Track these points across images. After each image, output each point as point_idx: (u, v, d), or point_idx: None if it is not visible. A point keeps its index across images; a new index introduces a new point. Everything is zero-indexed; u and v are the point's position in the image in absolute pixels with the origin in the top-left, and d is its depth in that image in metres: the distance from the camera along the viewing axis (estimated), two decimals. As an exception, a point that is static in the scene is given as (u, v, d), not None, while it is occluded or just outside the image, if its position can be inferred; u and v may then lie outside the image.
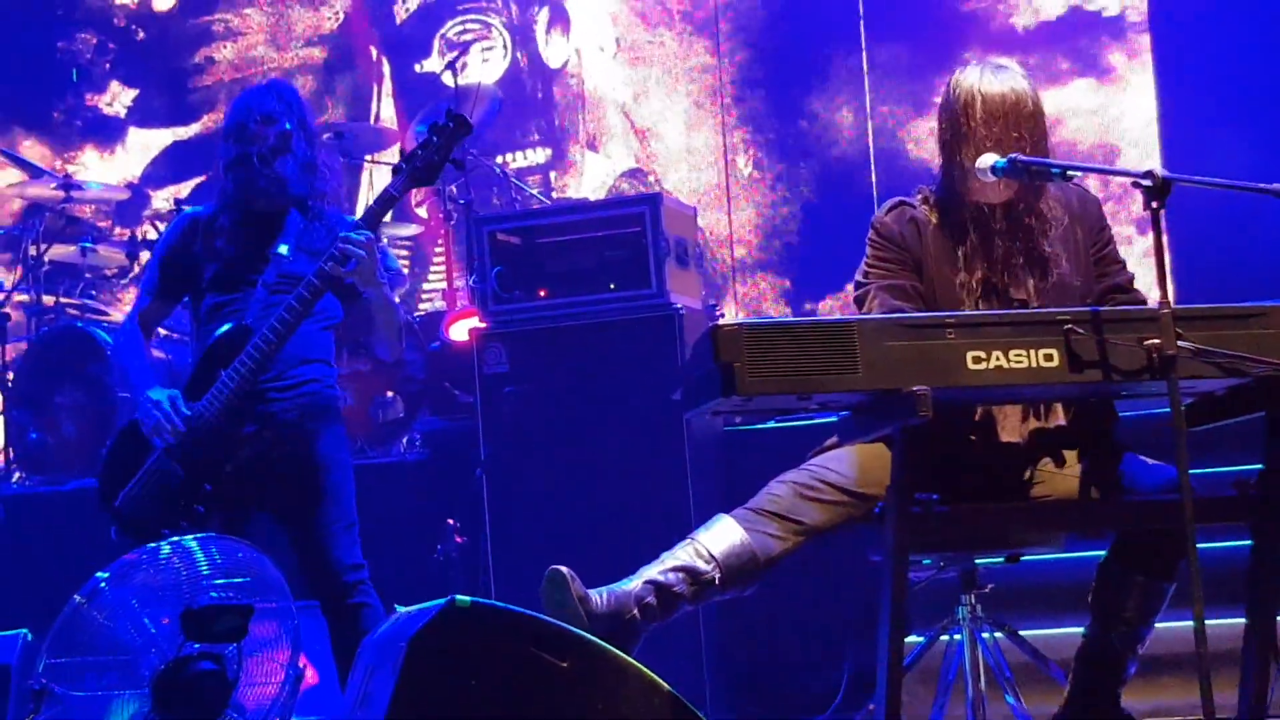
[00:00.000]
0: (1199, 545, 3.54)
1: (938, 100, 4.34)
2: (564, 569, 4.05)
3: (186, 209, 5.52)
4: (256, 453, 5.13)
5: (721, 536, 4.16)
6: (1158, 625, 4.24)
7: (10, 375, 8.46)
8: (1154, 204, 3.64)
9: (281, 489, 5.22)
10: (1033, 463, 4.16)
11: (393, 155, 10.13)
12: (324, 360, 5.32)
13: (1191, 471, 3.54)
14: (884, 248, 4.29)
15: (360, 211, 5.68)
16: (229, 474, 5.11)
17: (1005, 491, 4.10)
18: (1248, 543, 4.05)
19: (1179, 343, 3.57)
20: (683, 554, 4.17)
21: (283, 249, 5.19)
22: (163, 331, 8.70)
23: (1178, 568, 4.10)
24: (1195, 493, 3.57)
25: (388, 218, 7.65)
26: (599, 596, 4.08)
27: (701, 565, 4.13)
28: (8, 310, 8.64)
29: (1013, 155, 4.10)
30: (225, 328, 5.14)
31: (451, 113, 5.21)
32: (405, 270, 10.00)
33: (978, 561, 4.37)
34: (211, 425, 5.09)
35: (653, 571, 4.16)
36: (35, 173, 9.50)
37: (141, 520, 5.16)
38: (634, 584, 4.15)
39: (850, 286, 4.39)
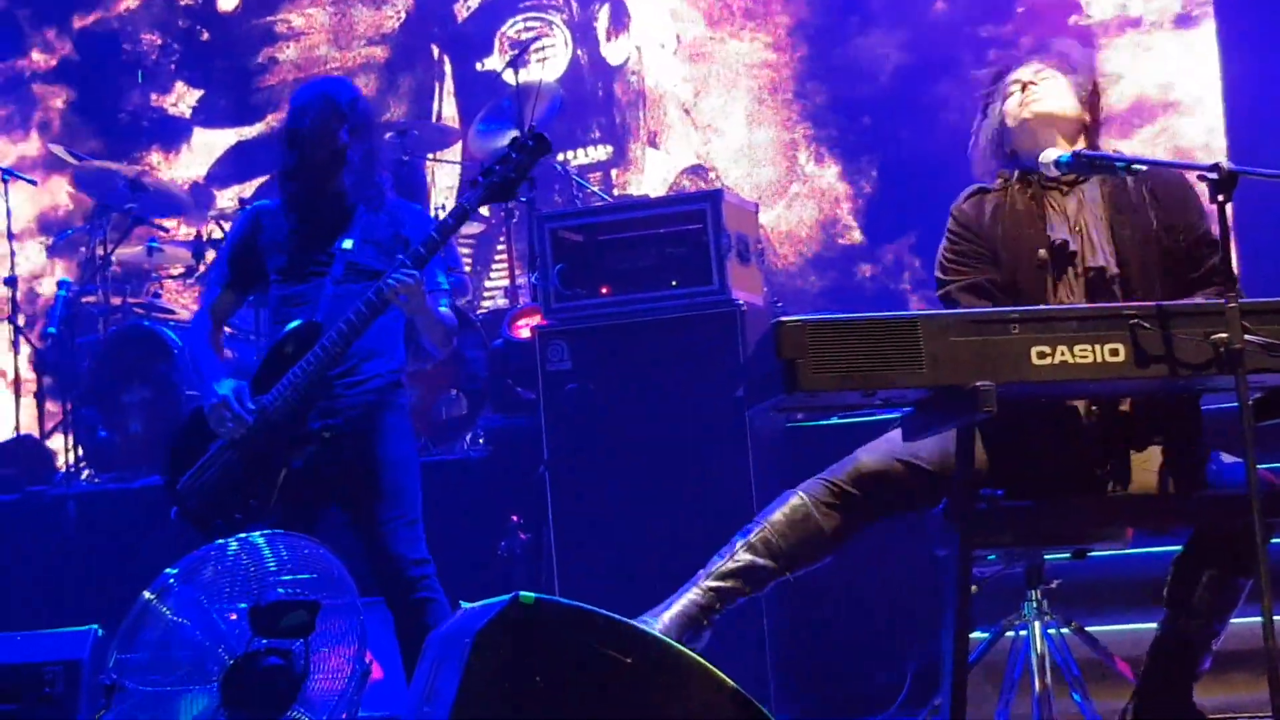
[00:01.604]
0: (1272, 541, 3.51)
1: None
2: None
3: (256, 203, 5.64)
4: (322, 448, 5.19)
5: (794, 520, 4.17)
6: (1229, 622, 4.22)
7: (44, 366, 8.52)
8: (1220, 197, 3.62)
9: (346, 484, 5.28)
10: (1107, 455, 4.13)
11: (454, 153, 10.19)
12: (392, 352, 5.36)
13: (1260, 466, 3.52)
14: (960, 238, 4.29)
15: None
16: (293, 468, 5.17)
17: (1077, 484, 4.08)
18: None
19: (1246, 337, 3.54)
20: (754, 549, 4.17)
21: (347, 244, 5.25)
22: (229, 329, 8.78)
23: (1255, 562, 4.07)
24: (1266, 487, 3.55)
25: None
26: (664, 621, 4.08)
27: (770, 564, 4.15)
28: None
29: (1077, 150, 4.10)
30: (295, 323, 5.20)
31: (534, 132, 5.25)
32: (467, 269, 10.03)
33: (1044, 557, 4.35)
34: (277, 420, 5.15)
35: (716, 578, 4.16)
36: (103, 173, 9.57)
37: (201, 506, 5.25)
38: (698, 593, 4.15)
39: (936, 275, 4.37)
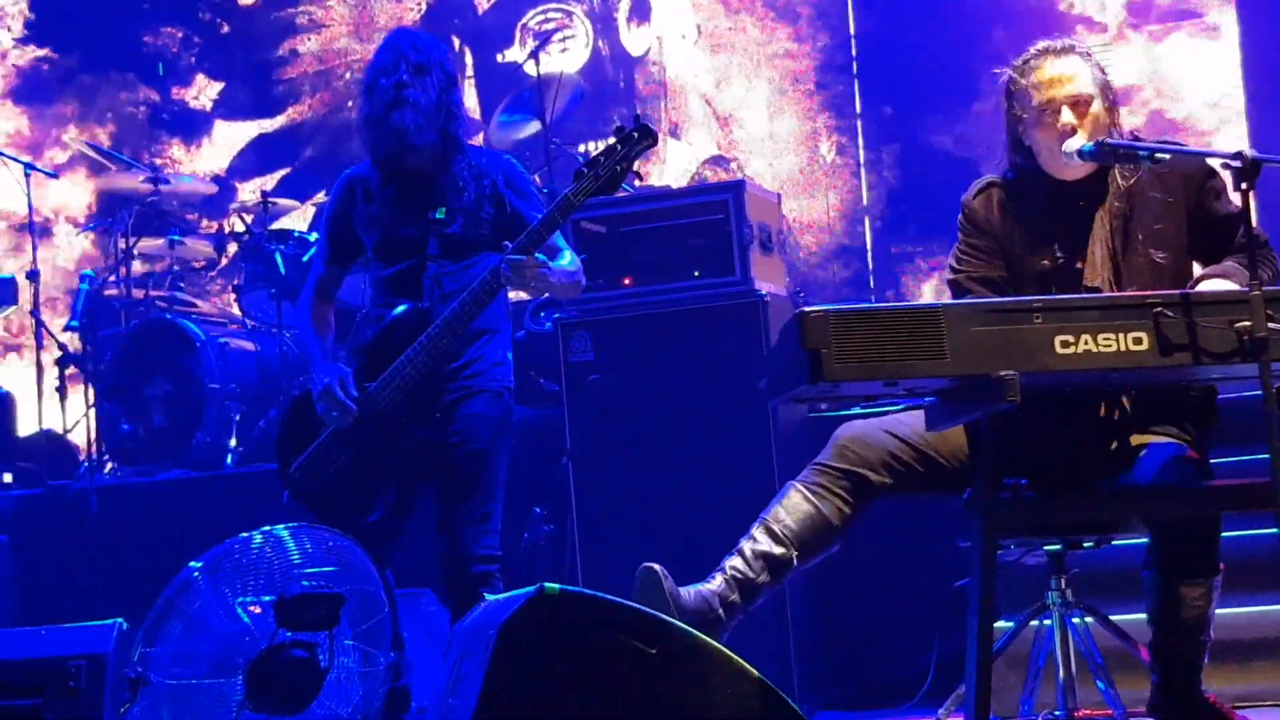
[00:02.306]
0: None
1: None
2: (657, 567, 4.08)
3: (347, 171, 5.52)
4: (427, 436, 5.18)
5: (793, 510, 4.20)
6: (1247, 610, 4.21)
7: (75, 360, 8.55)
8: (1244, 185, 3.60)
9: (442, 474, 5.24)
10: (1114, 442, 4.13)
11: (476, 144, 10.18)
12: (495, 330, 5.29)
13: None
14: (972, 234, 4.32)
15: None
16: (399, 456, 5.17)
17: (1087, 475, 4.08)
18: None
19: (1270, 324, 3.53)
20: (759, 541, 4.20)
21: (439, 213, 5.17)
22: (251, 322, 8.81)
23: (1216, 557, 4.06)
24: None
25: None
26: (690, 597, 4.12)
27: (779, 550, 4.18)
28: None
29: (1100, 139, 4.08)
30: (402, 309, 5.15)
31: (640, 121, 5.11)
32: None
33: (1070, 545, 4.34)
34: (384, 409, 5.13)
35: (732, 568, 4.19)
36: (124, 166, 9.60)
37: (313, 491, 5.26)
38: (715, 583, 4.19)
39: (946, 272, 4.39)
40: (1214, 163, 4.12)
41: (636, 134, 5.05)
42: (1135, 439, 4.15)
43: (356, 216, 5.33)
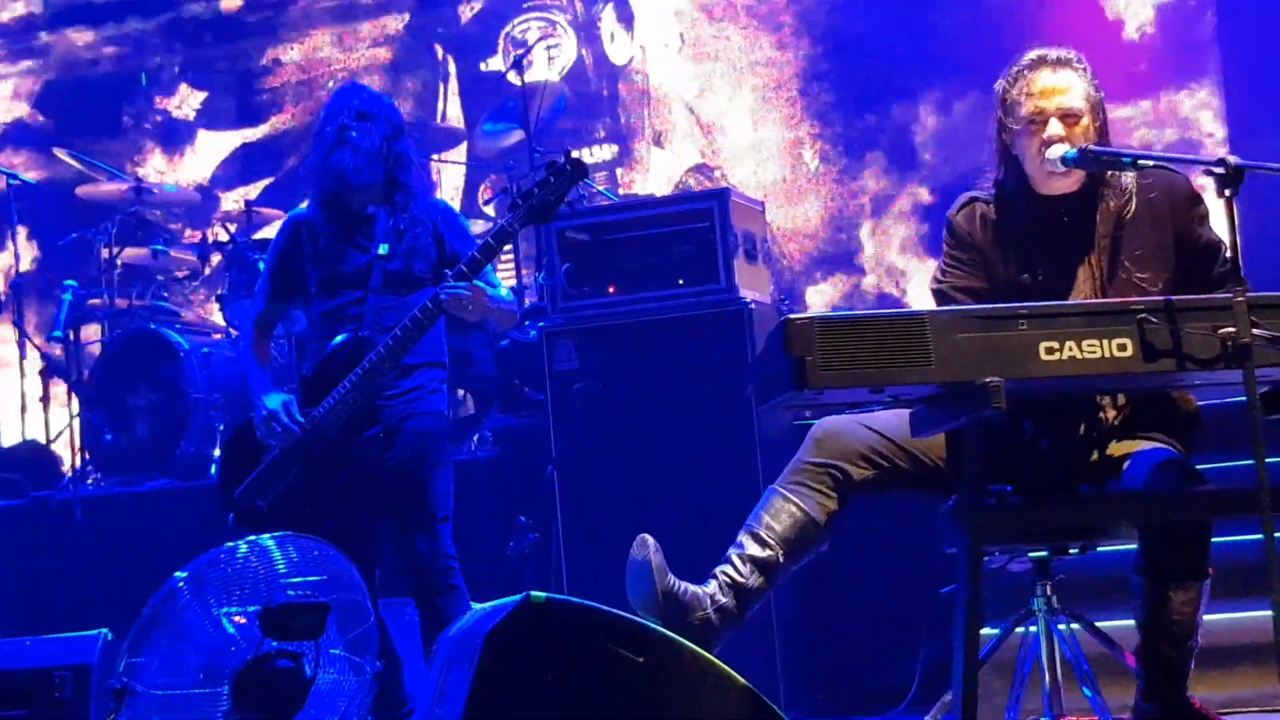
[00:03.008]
0: (1276, 535, 3.51)
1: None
2: (649, 538, 4.09)
3: (292, 212, 5.78)
4: (373, 456, 5.34)
5: (777, 514, 4.20)
6: (1233, 615, 4.22)
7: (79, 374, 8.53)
8: (1227, 191, 3.61)
9: (389, 491, 5.39)
10: (1097, 449, 4.14)
11: (460, 154, 10.20)
12: (434, 362, 5.50)
13: (1267, 460, 3.52)
14: (956, 247, 4.32)
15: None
16: (346, 478, 5.33)
17: (1071, 482, 4.09)
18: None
19: (1254, 330, 3.54)
20: (748, 547, 4.20)
21: (382, 249, 5.39)
22: (234, 332, 8.80)
23: (1205, 562, 4.07)
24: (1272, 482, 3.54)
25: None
26: (679, 582, 4.11)
27: (767, 554, 4.17)
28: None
29: (1083, 146, 4.09)
30: (341, 338, 5.34)
31: (569, 156, 5.38)
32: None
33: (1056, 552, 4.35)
34: (329, 431, 5.29)
35: (724, 573, 4.19)
36: (107, 176, 9.58)
37: (255, 514, 5.37)
38: (710, 586, 4.18)
39: (930, 282, 4.40)
40: (1198, 181, 4.13)
41: (569, 167, 5.33)
42: (1121, 447, 4.15)
43: (303, 255, 5.52)
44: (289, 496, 5.36)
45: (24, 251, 10.40)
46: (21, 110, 12.08)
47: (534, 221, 5.38)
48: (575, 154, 5.45)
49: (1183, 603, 4.06)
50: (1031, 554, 4.26)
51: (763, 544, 4.19)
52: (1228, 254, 4.17)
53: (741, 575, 4.18)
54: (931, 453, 4.20)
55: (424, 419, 5.42)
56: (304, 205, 5.71)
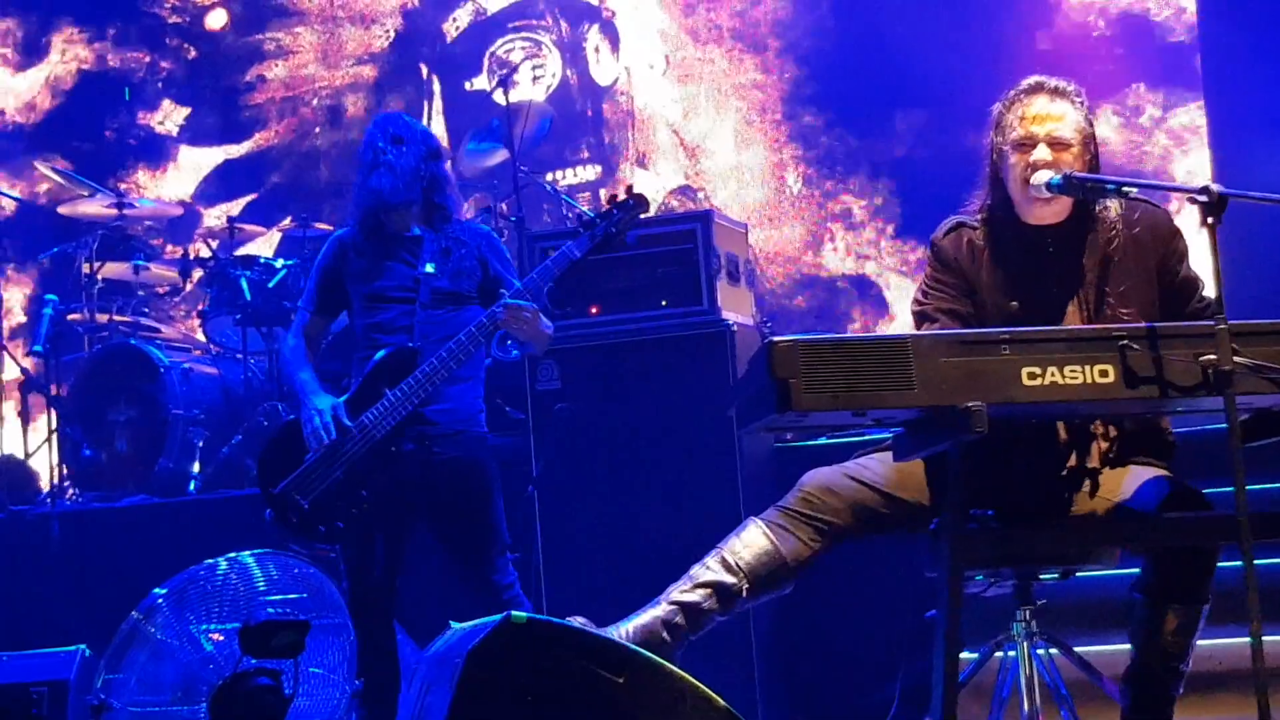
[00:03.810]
0: (1255, 561, 3.52)
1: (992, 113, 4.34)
2: (577, 619, 4.06)
3: (336, 231, 5.92)
4: (416, 470, 5.41)
5: (750, 544, 4.20)
6: (1213, 642, 4.22)
7: (55, 388, 8.51)
8: (1210, 219, 3.63)
9: (444, 512, 5.51)
10: (1071, 484, 4.15)
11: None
12: (474, 377, 5.60)
13: (1248, 488, 3.53)
14: (940, 270, 4.32)
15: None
16: (388, 486, 5.38)
17: (1052, 507, 4.10)
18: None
19: (1235, 358, 3.55)
20: (711, 569, 4.20)
21: (429, 267, 5.53)
22: (215, 348, 8.79)
23: (1208, 587, 4.08)
24: (1252, 509, 3.55)
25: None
26: (621, 631, 4.09)
27: (729, 579, 4.17)
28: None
29: (1067, 172, 4.10)
30: (390, 349, 5.44)
31: (632, 191, 5.58)
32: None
33: (1035, 577, 4.35)
34: (377, 438, 5.36)
35: (678, 592, 4.19)
36: (89, 190, 9.56)
37: (296, 511, 5.39)
38: (660, 609, 4.17)
39: (913, 304, 4.39)
40: (1178, 209, 4.14)
41: (632, 200, 5.54)
42: (1113, 475, 4.15)
43: (347, 271, 5.66)
44: (327, 498, 5.40)
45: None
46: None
47: (597, 252, 5.53)
48: (638, 189, 5.64)
49: (1180, 625, 4.07)
50: (1011, 579, 4.27)
51: (728, 569, 4.19)
52: (1205, 294, 4.21)
53: (696, 596, 4.17)
54: (918, 495, 4.18)
55: (473, 444, 5.54)
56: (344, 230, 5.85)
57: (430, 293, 5.51)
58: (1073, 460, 4.14)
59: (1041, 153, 4.17)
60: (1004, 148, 4.25)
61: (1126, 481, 4.14)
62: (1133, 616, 4.17)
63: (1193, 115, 9.65)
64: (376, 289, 5.59)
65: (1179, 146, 9.71)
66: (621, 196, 5.57)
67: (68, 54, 11.99)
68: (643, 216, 5.67)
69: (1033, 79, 4.31)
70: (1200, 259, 4.03)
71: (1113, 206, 4.21)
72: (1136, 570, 4.28)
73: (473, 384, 5.60)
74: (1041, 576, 4.30)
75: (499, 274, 5.61)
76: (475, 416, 5.59)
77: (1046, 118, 4.21)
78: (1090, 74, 9.37)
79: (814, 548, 4.21)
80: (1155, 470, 4.16)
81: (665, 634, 4.13)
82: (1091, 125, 4.27)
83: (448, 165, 5.83)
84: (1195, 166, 9.52)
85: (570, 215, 9.08)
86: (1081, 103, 4.26)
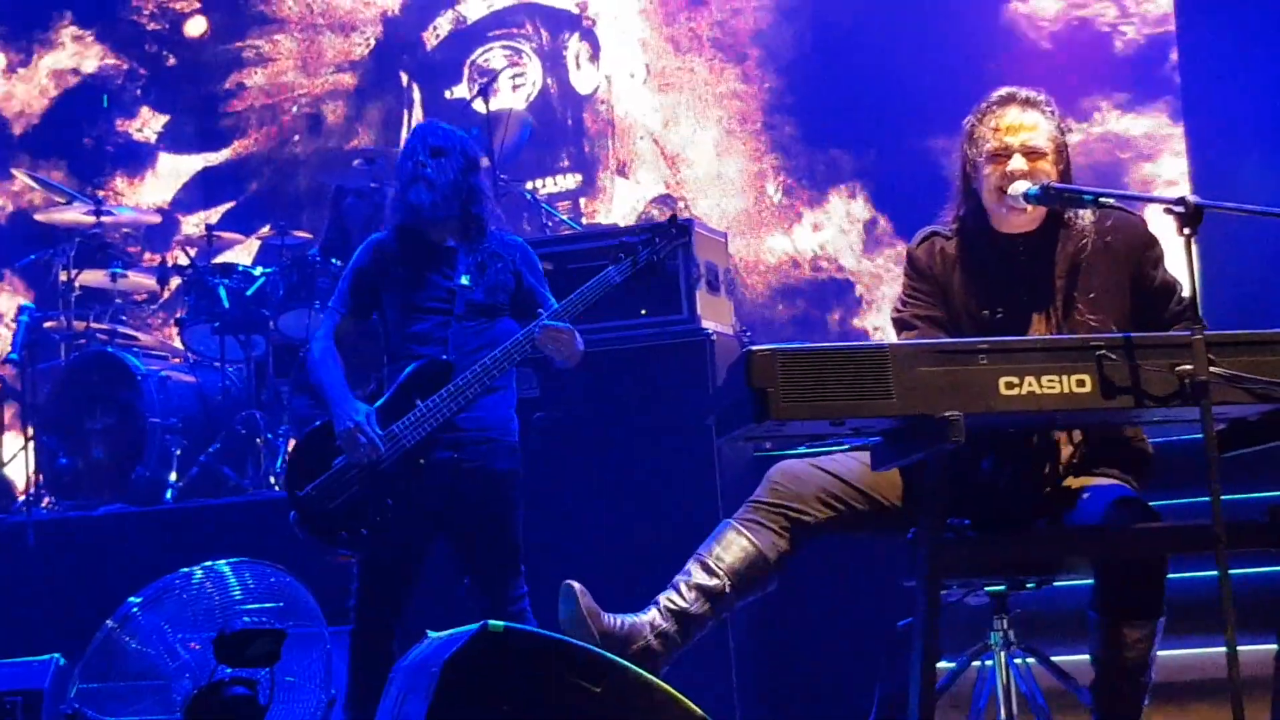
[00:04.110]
0: (1230, 571, 3.52)
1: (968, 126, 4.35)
2: (575, 584, 4.08)
3: (373, 236, 5.88)
4: (443, 480, 5.41)
5: (728, 545, 4.20)
6: (1189, 652, 4.23)
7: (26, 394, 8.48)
8: (1186, 230, 3.63)
9: (468, 525, 5.50)
10: (1052, 484, 4.16)
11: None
12: (506, 387, 5.59)
13: (1223, 497, 3.53)
14: (916, 279, 4.34)
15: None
16: (414, 496, 5.38)
17: (1027, 517, 4.10)
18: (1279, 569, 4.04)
19: (1211, 368, 3.56)
20: (695, 575, 4.20)
21: (464, 280, 5.54)
22: (193, 356, 8.77)
23: (1161, 601, 4.08)
24: (1227, 519, 3.56)
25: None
26: (614, 619, 4.10)
27: (714, 583, 4.17)
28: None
29: (1045, 183, 4.11)
30: (424, 361, 5.45)
31: (674, 218, 5.61)
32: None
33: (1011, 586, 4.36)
34: (407, 447, 5.37)
35: (668, 599, 4.19)
36: (66, 197, 9.54)
37: (320, 515, 5.42)
38: (649, 614, 4.17)
39: (892, 311, 4.41)
40: (1155, 221, 4.15)
41: (674, 229, 5.56)
42: (1077, 482, 4.17)
43: (382, 278, 5.65)
44: (354, 505, 5.41)
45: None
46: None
47: (637, 279, 5.54)
48: (681, 217, 5.71)
49: (1137, 640, 4.07)
50: (988, 588, 4.27)
51: (710, 573, 4.19)
52: (1183, 295, 4.22)
53: (685, 601, 4.17)
54: (888, 493, 4.20)
55: (503, 454, 5.53)
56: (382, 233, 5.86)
57: (465, 305, 5.52)
58: (1039, 468, 4.15)
59: (1018, 163, 4.19)
60: (978, 159, 4.26)
61: (1088, 492, 4.15)
62: (1090, 633, 4.17)
63: (1160, 123, 9.68)
64: (413, 299, 5.58)
65: (1147, 156, 9.74)
66: (665, 225, 5.58)
67: (47, 60, 11.96)
68: (621, 225, 5.66)
69: (1004, 90, 4.33)
70: (1177, 269, 4.04)
71: (1085, 215, 4.22)
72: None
73: (505, 394, 5.60)
74: (1019, 586, 4.30)
75: (532, 287, 5.64)
76: (506, 425, 5.59)
77: (1020, 128, 4.23)
78: (1060, 82, 9.41)
79: (788, 538, 4.21)
80: (1111, 481, 4.17)
81: (653, 639, 4.12)
82: (1063, 134, 4.29)
83: (485, 174, 5.84)
84: (1162, 173, 9.56)
85: (550, 223, 9.07)
86: (1052, 112, 4.29)
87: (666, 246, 5.53)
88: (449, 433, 5.41)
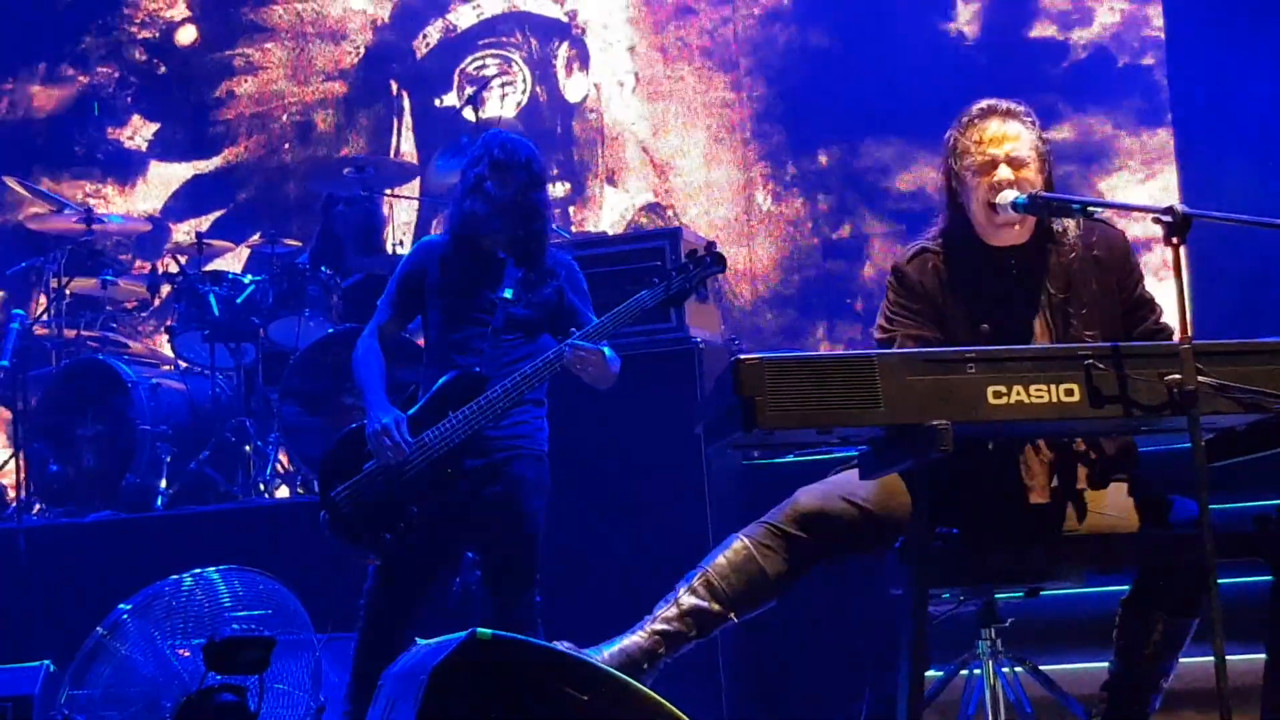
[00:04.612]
0: (1220, 580, 3.53)
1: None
2: (561, 645, 4.06)
3: (426, 238, 5.92)
4: (469, 489, 5.42)
5: (736, 565, 4.20)
6: (1180, 660, 4.23)
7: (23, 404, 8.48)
8: (1174, 240, 3.64)
9: (485, 529, 5.50)
10: (1060, 494, 4.16)
11: (413, 189, 10.19)
12: (537, 400, 5.59)
13: (1212, 507, 3.54)
14: (905, 295, 4.30)
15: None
16: (438, 506, 5.39)
17: (1028, 524, 4.11)
18: (1269, 578, 4.04)
19: (1200, 378, 3.57)
20: (698, 593, 4.19)
21: (507, 293, 5.54)
22: (183, 364, 8.76)
23: (1200, 603, 4.09)
24: (1216, 528, 3.57)
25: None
26: (605, 654, 4.10)
27: (715, 608, 4.18)
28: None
29: (1033, 192, 4.11)
30: (458, 372, 5.46)
31: (711, 248, 5.62)
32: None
33: (997, 595, 4.37)
34: (435, 455, 5.38)
35: (664, 620, 4.18)
36: (57, 205, 9.54)
37: (348, 516, 5.43)
38: (642, 636, 4.18)
39: (876, 331, 4.39)
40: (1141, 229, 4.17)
41: (709, 258, 5.56)
42: (1098, 495, 4.16)
43: (429, 281, 5.66)
44: (377, 510, 5.42)
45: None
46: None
47: (671, 304, 5.59)
48: (719, 248, 5.66)
49: (1166, 638, 4.09)
50: (977, 597, 4.28)
51: (714, 595, 4.19)
52: (1160, 315, 4.24)
53: (682, 625, 4.18)
54: (903, 513, 4.15)
55: (530, 462, 5.53)
56: (437, 234, 5.89)
57: (505, 318, 5.52)
58: (1055, 481, 4.15)
59: (1004, 172, 4.19)
60: (963, 172, 4.26)
61: (1111, 499, 4.15)
62: (1120, 626, 4.18)
63: (1160, 138, 9.71)
64: (457, 306, 5.60)
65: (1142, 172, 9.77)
66: (701, 253, 5.59)
67: (37, 70, 11.95)
68: (611, 234, 5.67)
69: (984, 103, 4.33)
70: (1165, 279, 4.06)
71: (1070, 227, 4.23)
72: (1102, 589, 4.31)
73: (536, 407, 5.61)
74: (1004, 595, 4.31)
75: (574, 306, 5.64)
76: (535, 435, 5.59)
77: (1003, 138, 4.23)
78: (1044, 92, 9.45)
79: (799, 567, 4.21)
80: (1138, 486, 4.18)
81: (644, 662, 4.14)
82: (1045, 144, 4.29)
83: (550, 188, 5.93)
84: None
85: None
86: (1032, 122, 4.29)
87: (702, 274, 5.54)
88: (478, 443, 5.41)
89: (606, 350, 5.47)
